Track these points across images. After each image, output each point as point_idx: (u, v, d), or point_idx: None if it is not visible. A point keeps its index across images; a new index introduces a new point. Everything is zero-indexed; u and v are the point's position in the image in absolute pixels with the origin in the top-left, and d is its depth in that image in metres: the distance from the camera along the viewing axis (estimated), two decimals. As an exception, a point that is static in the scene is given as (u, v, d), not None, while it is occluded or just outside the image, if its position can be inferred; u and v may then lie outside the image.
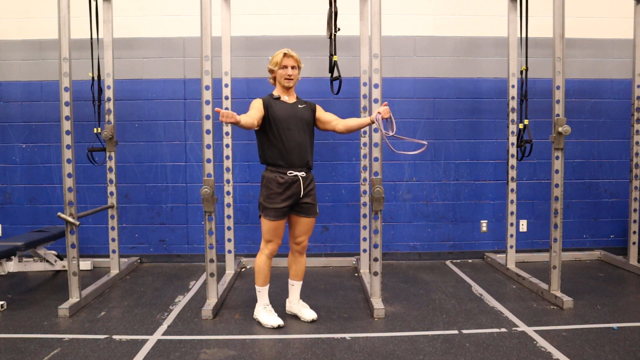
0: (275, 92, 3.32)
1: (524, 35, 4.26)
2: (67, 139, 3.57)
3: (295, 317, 3.47)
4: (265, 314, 3.34)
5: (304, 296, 3.90)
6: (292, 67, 3.23)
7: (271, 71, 3.29)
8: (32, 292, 4.08)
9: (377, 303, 3.54)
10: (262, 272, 3.34)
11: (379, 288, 3.62)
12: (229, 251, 4.54)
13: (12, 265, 4.27)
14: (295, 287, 3.48)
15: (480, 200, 5.09)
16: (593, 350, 2.89)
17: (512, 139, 4.46)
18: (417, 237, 5.09)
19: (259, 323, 3.34)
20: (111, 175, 4.41)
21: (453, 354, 2.88)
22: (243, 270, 4.76)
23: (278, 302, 3.74)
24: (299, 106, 3.30)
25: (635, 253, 4.59)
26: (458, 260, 5.04)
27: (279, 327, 3.26)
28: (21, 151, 4.94)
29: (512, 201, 4.53)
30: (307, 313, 3.43)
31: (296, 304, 3.48)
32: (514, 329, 3.24)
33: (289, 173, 3.19)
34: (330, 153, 4.95)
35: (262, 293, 3.39)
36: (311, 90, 4.72)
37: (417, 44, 4.97)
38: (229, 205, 4.48)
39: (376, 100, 3.45)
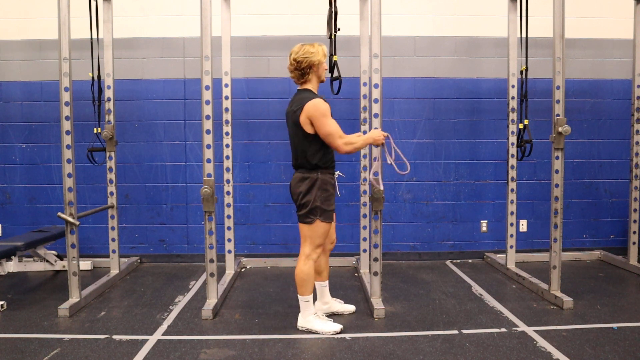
0: (315, 91, 3.17)
1: (524, 35, 4.26)
2: (67, 139, 3.57)
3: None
4: (320, 322, 3.22)
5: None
6: None
7: (315, 65, 3.08)
8: (32, 292, 4.08)
9: (377, 303, 3.54)
10: (311, 280, 3.18)
11: (379, 288, 3.62)
12: (229, 251, 4.54)
13: (12, 265, 4.27)
14: (326, 288, 3.48)
15: (480, 200, 5.09)
16: (593, 350, 2.89)
17: (512, 139, 4.46)
18: (417, 237, 5.09)
19: (307, 331, 3.22)
20: (111, 175, 4.41)
21: (453, 354, 2.88)
22: (243, 270, 4.76)
23: (279, 301, 3.75)
24: None
25: (635, 253, 4.59)
26: (458, 260, 5.04)
27: (341, 331, 3.20)
28: (21, 151, 4.94)
29: (512, 201, 4.53)
30: (350, 306, 3.56)
31: (335, 303, 3.53)
32: (514, 329, 3.24)
33: (334, 174, 3.24)
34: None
35: (310, 302, 3.23)
36: (311, 90, 4.71)
37: (417, 44, 4.97)
38: (229, 205, 4.48)
39: (376, 100, 3.45)
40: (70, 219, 3.60)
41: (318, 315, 3.27)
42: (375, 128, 3.36)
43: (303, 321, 3.24)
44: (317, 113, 3.00)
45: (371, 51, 3.55)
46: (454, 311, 3.58)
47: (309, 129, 3.05)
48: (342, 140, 3.06)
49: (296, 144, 3.13)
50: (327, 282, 3.48)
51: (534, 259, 4.91)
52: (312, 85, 3.16)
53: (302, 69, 3.09)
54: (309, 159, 3.10)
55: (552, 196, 3.70)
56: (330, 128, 3.03)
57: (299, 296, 3.22)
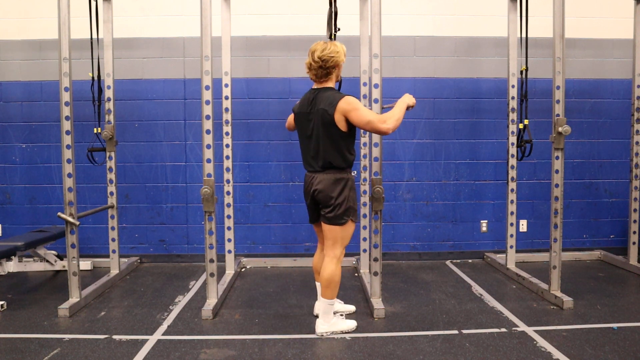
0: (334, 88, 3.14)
1: (524, 35, 4.26)
2: (67, 139, 3.57)
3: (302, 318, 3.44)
4: (343, 321, 3.24)
5: (304, 296, 3.91)
6: None
7: (339, 65, 3.06)
8: (32, 292, 4.08)
9: (377, 303, 3.54)
10: (339, 283, 3.15)
11: (379, 288, 3.62)
12: (229, 251, 4.54)
13: (12, 265, 4.26)
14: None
15: (480, 200, 5.09)
16: (593, 350, 2.89)
17: (512, 139, 4.46)
18: (417, 237, 5.09)
19: (332, 333, 3.18)
20: (111, 175, 4.41)
21: (453, 354, 2.88)
22: (243, 270, 4.76)
23: (279, 301, 3.75)
24: None
25: (635, 253, 4.59)
26: (458, 260, 5.04)
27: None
28: (21, 151, 4.94)
29: (512, 201, 4.53)
30: (350, 306, 3.59)
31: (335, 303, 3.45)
32: (514, 329, 3.24)
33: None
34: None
35: (334, 307, 3.21)
36: (311, 90, 4.70)
37: (417, 44, 4.97)
38: (229, 205, 4.48)
39: (376, 100, 3.45)
40: (70, 219, 3.60)
41: (336, 314, 3.25)
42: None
43: (326, 326, 3.16)
44: (351, 107, 2.94)
45: (371, 51, 3.56)
46: (454, 311, 3.58)
47: (343, 127, 2.98)
48: (384, 122, 2.95)
49: (327, 143, 3.01)
50: None
51: (534, 259, 4.91)
52: (332, 84, 3.11)
53: (327, 68, 3.01)
54: (343, 158, 3.04)
55: (552, 196, 3.70)
56: (368, 116, 2.95)
57: (324, 300, 3.12)
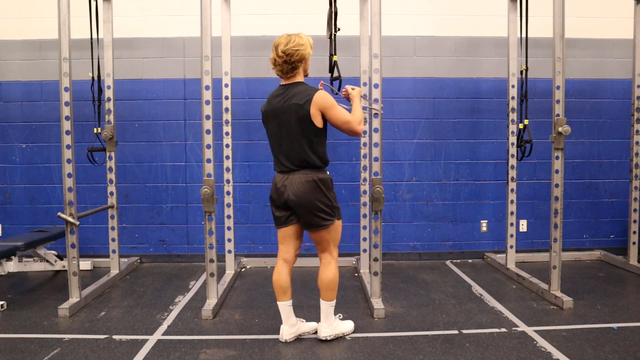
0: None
1: (524, 35, 4.27)
2: (67, 139, 3.57)
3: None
4: (343, 323, 3.18)
5: (305, 296, 3.91)
6: None
7: (305, 58, 2.90)
8: (32, 292, 4.08)
9: (377, 303, 3.54)
10: (338, 281, 3.07)
11: (379, 288, 3.62)
12: (229, 251, 4.54)
13: (12, 265, 4.27)
14: (292, 307, 3.16)
15: (480, 200, 5.09)
16: (593, 350, 2.89)
17: (512, 139, 4.46)
18: (417, 237, 5.09)
19: (334, 337, 3.12)
20: (111, 175, 4.41)
21: (453, 354, 2.88)
22: (243, 270, 4.76)
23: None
24: None
25: (635, 253, 4.59)
26: (458, 260, 5.04)
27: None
28: (21, 151, 4.94)
29: (512, 201, 4.53)
30: (314, 324, 3.35)
31: (302, 324, 3.23)
32: (514, 329, 3.24)
33: None
34: (330, 153, 4.91)
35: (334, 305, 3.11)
36: (311, 90, 4.70)
37: (417, 44, 4.97)
38: (229, 205, 4.48)
39: (376, 100, 3.45)
40: (70, 219, 3.60)
41: (337, 318, 3.20)
42: (353, 88, 3.12)
43: (329, 329, 3.08)
44: (328, 104, 2.83)
45: (371, 51, 3.56)
46: (454, 311, 3.59)
47: (319, 122, 2.85)
48: (359, 124, 2.92)
49: (302, 141, 2.86)
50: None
51: (534, 259, 4.91)
52: (301, 78, 2.94)
53: (292, 62, 2.84)
54: (319, 157, 2.92)
55: (552, 196, 3.70)
56: (346, 115, 2.88)
57: (325, 302, 3.04)
